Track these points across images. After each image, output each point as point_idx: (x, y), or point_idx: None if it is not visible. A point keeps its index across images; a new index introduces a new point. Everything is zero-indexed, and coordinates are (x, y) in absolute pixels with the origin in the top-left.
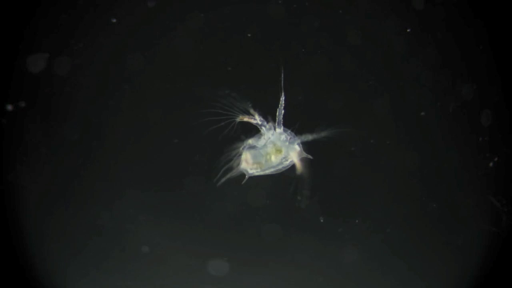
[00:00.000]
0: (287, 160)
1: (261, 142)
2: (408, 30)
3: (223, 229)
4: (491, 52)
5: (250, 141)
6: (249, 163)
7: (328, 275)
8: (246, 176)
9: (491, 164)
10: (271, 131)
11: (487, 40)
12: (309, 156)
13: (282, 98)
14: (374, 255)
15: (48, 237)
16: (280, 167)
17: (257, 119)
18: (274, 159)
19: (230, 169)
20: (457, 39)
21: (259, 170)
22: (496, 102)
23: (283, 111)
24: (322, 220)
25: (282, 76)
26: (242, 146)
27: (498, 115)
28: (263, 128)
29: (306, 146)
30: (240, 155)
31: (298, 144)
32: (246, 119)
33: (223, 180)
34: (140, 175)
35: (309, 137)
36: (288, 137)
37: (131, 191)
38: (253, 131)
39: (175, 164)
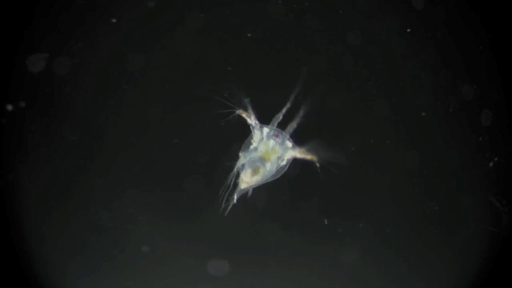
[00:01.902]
0: (283, 160)
1: (251, 148)
2: (408, 30)
3: (223, 229)
4: (491, 52)
5: (241, 156)
6: (248, 180)
7: (328, 275)
8: (250, 190)
9: (491, 164)
10: (261, 133)
11: (487, 40)
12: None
13: (286, 107)
14: (374, 255)
15: (48, 237)
16: (277, 169)
17: (252, 119)
18: (270, 162)
19: (233, 194)
20: (457, 39)
21: (259, 178)
22: (496, 102)
23: (281, 117)
24: (326, 222)
25: (296, 90)
26: (236, 168)
27: (498, 115)
28: (254, 129)
29: (297, 137)
30: (237, 177)
31: (289, 140)
32: (244, 115)
33: (229, 207)
34: (140, 175)
35: (293, 125)
36: (278, 137)
37: (131, 191)
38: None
39: (175, 164)
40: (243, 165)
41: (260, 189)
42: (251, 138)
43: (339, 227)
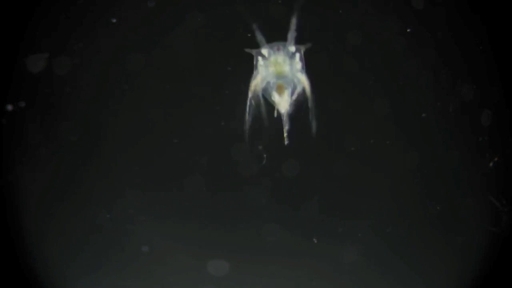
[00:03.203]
0: (297, 63)
1: (263, 70)
2: (408, 30)
3: (223, 229)
4: (491, 52)
5: (255, 83)
6: (280, 100)
7: (328, 275)
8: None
9: (491, 164)
10: (263, 55)
11: (487, 40)
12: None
13: (294, 20)
14: (374, 255)
15: (48, 237)
16: (297, 73)
17: (252, 51)
18: (286, 73)
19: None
20: (457, 39)
21: (288, 92)
22: (496, 102)
23: (294, 33)
24: (315, 241)
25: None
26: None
27: (498, 115)
28: (257, 56)
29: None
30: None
31: (289, 45)
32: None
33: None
34: (140, 175)
35: (291, 34)
36: (279, 49)
37: (131, 191)
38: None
39: (175, 164)
40: (264, 94)
41: (261, 189)
42: (257, 64)
43: (339, 227)
